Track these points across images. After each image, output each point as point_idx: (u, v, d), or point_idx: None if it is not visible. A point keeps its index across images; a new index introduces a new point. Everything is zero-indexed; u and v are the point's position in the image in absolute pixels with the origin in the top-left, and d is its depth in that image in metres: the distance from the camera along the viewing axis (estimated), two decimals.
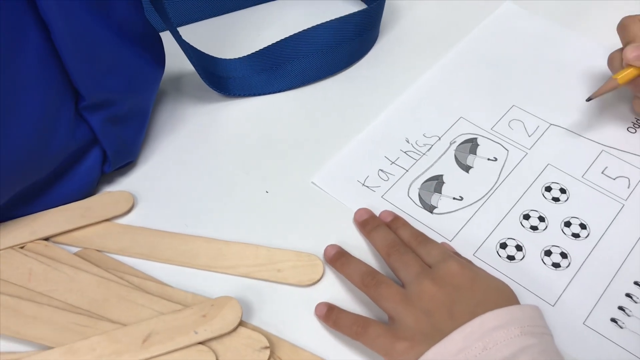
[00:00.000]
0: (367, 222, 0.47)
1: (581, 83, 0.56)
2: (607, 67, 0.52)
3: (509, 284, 0.42)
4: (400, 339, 0.38)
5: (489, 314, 0.37)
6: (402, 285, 0.41)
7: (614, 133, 0.52)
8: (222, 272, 0.44)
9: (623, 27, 0.50)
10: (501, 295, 0.40)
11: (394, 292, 0.40)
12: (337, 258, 0.45)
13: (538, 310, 0.39)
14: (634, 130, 0.53)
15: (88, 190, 0.47)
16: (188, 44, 0.51)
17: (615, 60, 0.50)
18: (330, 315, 0.42)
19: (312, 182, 0.50)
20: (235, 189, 0.49)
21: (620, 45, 0.51)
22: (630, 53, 0.47)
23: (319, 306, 0.43)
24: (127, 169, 0.50)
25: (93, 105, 0.43)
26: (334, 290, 0.44)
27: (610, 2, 0.63)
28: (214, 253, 0.44)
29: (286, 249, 0.45)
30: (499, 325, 0.36)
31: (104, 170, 0.48)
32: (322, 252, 0.46)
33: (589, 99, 0.50)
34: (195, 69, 0.53)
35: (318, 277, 0.44)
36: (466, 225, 0.47)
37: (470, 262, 0.44)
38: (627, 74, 0.48)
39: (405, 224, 0.47)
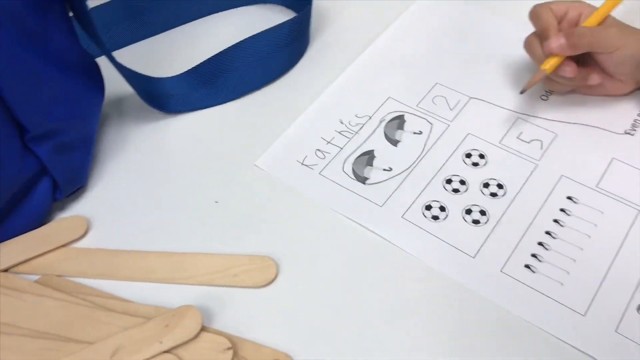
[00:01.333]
0: None
1: (498, 58, 0.60)
2: (520, 41, 0.55)
3: (432, 240, 0.48)
4: None
5: None
6: None
7: (528, 102, 0.56)
8: (181, 283, 0.46)
9: (535, 15, 0.53)
10: None
11: None
12: None
13: None
14: (546, 98, 0.57)
15: (42, 218, 0.49)
16: (125, 67, 0.52)
17: (533, 46, 0.53)
18: None
19: (255, 165, 0.54)
20: (185, 202, 0.52)
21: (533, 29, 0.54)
22: (552, 44, 0.51)
23: None
24: (79, 194, 0.52)
25: (38, 136, 0.44)
26: (289, 289, 0.47)
27: None
28: (171, 266, 0.47)
29: (240, 254, 0.48)
30: None
31: (56, 198, 0.50)
32: (277, 251, 0.48)
33: (522, 92, 0.54)
34: (135, 90, 0.54)
35: (272, 277, 0.47)
36: (395, 192, 0.52)
37: None
38: (553, 62, 0.52)
39: None
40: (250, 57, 0.58)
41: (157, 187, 0.53)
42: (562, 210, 0.51)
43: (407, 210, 0.51)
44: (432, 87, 0.59)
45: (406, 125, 0.56)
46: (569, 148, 0.54)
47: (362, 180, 0.53)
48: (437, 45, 0.62)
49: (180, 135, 0.57)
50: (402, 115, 0.57)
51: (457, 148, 0.54)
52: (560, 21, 0.53)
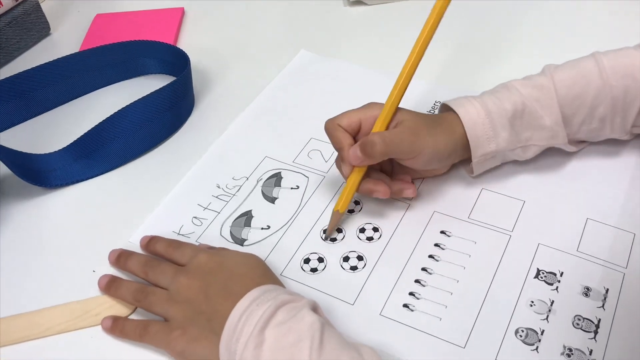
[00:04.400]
0: (119, 258, 0.50)
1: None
2: (389, 88, 0.53)
3: (311, 293, 0.47)
4: (174, 330, 0.43)
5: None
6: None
7: None
8: (41, 337, 0.46)
9: (328, 134, 0.51)
10: (250, 269, 0.45)
11: (160, 296, 0.45)
12: (109, 285, 0.47)
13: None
14: None
15: None
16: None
17: (340, 167, 0.51)
18: (116, 326, 0.45)
19: (130, 242, 0.52)
20: (63, 275, 0.50)
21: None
22: (350, 156, 0.48)
23: (104, 321, 0.46)
24: None
25: None
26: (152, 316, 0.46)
27: (386, 36, 0.71)
28: (25, 324, 0.46)
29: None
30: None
31: None
32: None
33: (326, 239, 0.51)
34: (9, 168, 0.54)
35: (134, 307, 0.47)
36: (274, 250, 0.50)
37: (222, 249, 0.48)
38: (344, 201, 0.50)
39: (159, 239, 0.50)
40: (130, 124, 0.58)
41: (35, 263, 0.52)
42: (436, 245, 0.49)
43: (285, 266, 0.49)
44: (308, 142, 0.59)
45: (283, 182, 0.56)
46: (439, 184, 0.54)
47: (241, 242, 0.51)
48: (310, 101, 0.64)
49: (61, 209, 0.56)
50: (279, 173, 0.57)
51: (332, 198, 0.54)
52: (357, 134, 0.50)
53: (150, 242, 0.50)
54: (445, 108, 0.52)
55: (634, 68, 0.49)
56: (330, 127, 0.51)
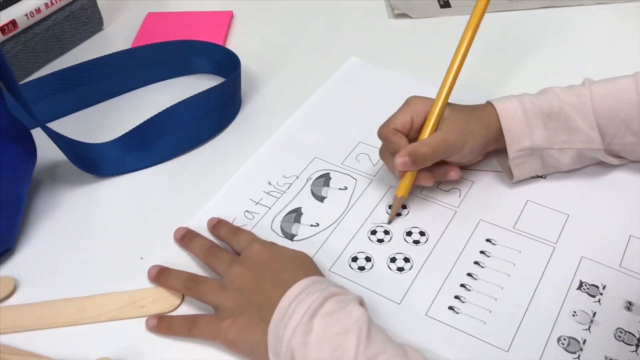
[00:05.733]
0: (185, 236, 0.52)
1: None
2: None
3: (358, 290, 0.48)
4: (224, 319, 0.44)
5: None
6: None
7: None
8: (90, 323, 0.47)
9: (384, 139, 0.53)
10: (300, 262, 0.47)
11: (212, 285, 0.47)
12: (159, 275, 0.49)
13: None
14: None
15: None
16: (57, 133, 0.54)
17: (389, 161, 0.54)
18: (162, 324, 0.46)
19: (189, 225, 0.54)
20: (111, 260, 0.52)
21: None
22: (397, 160, 0.51)
23: (148, 321, 0.47)
24: (7, 255, 0.53)
25: None
26: (197, 307, 0.48)
27: (429, 48, 0.73)
28: (77, 308, 0.48)
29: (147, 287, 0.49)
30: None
31: None
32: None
33: (389, 222, 0.54)
34: (65, 154, 0.57)
35: (179, 302, 0.48)
36: (322, 247, 0.52)
37: (273, 243, 0.50)
38: (406, 185, 0.52)
39: (225, 223, 0.53)
40: (181, 120, 0.60)
41: (85, 247, 0.54)
42: (482, 252, 0.51)
43: (334, 263, 0.51)
44: (356, 146, 0.61)
45: (332, 182, 0.58)
46: (485, 194, 0.55)
47: (290, 237, 0.53)
48: (359, 107, 0.66)
49: (111, 197, 0.58)
50: (328, 173, 0.59)
51: (380, 200, 0.56)
52: (410, 131, 0.53)
53: (216, 225, 0.53)
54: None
55: None
56: (387, 133, 0.53)
